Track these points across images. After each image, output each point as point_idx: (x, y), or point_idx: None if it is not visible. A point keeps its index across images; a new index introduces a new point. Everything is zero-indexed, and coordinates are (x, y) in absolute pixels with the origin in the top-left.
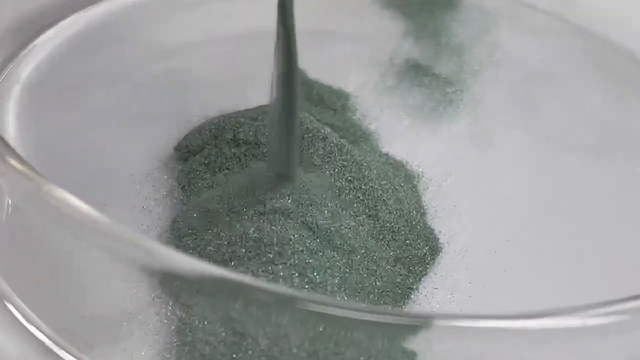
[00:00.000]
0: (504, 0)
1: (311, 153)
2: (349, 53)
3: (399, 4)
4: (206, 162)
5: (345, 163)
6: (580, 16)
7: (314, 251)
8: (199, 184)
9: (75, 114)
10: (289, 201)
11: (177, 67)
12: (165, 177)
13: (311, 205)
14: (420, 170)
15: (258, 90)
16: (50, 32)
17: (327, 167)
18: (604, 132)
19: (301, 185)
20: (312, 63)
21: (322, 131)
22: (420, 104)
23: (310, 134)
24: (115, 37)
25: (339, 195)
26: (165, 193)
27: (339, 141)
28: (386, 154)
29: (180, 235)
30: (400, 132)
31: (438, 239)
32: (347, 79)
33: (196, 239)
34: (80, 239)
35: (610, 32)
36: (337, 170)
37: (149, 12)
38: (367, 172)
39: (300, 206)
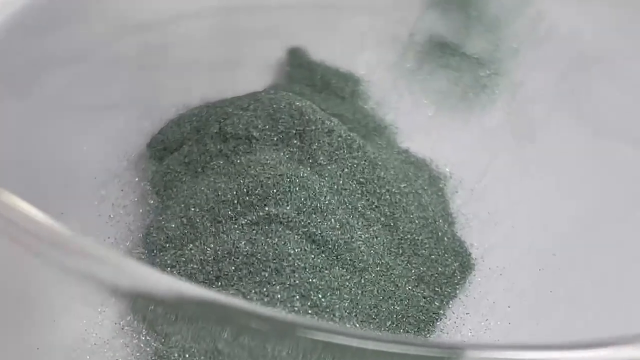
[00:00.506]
0: None
1: (315, 149)
2: (359, 28)
3: None
4: (186, 160)
5: (356, 162)
6: None
7: (318, 269)
8: (178, 188)
9: (26, 103)
10: (288, 207)
11: (150, 45)
12: (137, 179)
13: (315, 212)
14: (447, 170)
15: (247, 72)
16: None
17: (334, 166)
18: None
19: (303, 189)
20: (315, 41)
21: (328, 123)
22: (447, 90)
23: (313, 127)
24: (73, 10)
25: (349, 201)
26: (136, 199)
27: (349, 135)
28: (406, 151)
29: (155, 249)
30: (422, 124)
31: (470, 253)
32: (358, 60)
33: (175, 254)
34: (33, 255)
35: None
36: (346, 170)
37: None
38: (382, 173)
39: (302, 214)
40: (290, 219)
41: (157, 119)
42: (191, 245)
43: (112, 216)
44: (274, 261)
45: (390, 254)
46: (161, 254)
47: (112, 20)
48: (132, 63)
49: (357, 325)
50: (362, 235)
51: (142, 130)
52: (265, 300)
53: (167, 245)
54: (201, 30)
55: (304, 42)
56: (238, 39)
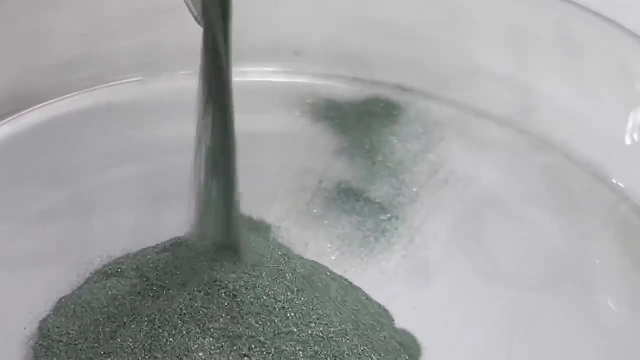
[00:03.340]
0: (453, 109)
1: None
2: (274, 174)
3: (332, 115)
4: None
5: None
6: (539, 126)
7: None
8: None
9: None
10: None
11: (75, 199)
12: None
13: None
14: None
15: (167, 221)
16: None
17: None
18: (555, 262)
19: None
20: None
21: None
22: (350, 235)
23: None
24: (5, 169)
25: None
26: None
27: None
28: None
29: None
30: None
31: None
32: (270, 209)
33: None
34: None
35: (571, 142)
36: None
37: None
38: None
39: None
40: None
41: (83, 271)
42: None
43: None
44: None
45: None
46: None
47: (41, 176)
48: (60, 217)
49: None
50: None
51: (69, 283)
52: None
53: None
54: (122, 188)
55: None
56: (161, 190)
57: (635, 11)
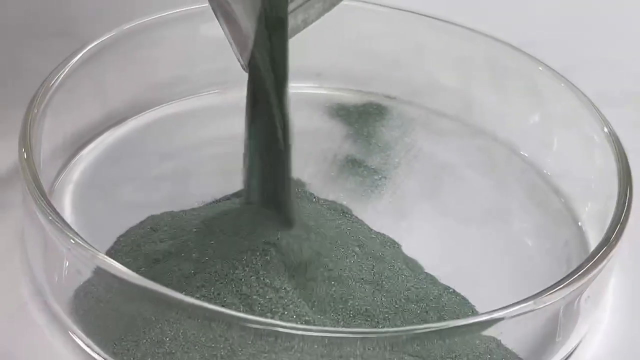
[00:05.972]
0: (421, 110)
1: None
2: (305, 152)
3: (342, 114)
4: None
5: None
6: (477, 119)
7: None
8: None
9: (111, 204)
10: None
11: (178, 166)
12: None
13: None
14: None
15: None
16: (90, 146)
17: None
18: (486, 208)
19: None
20: None
21: None
22: (355, 189)
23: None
24: (133, 149)
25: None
26: None
27: None
28: None
29: None
30: None
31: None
32: (304, 171)
33: None
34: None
35: (498, 130)
36: None
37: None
38: None
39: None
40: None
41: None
42: None
43: None
44: None
45: None
46: None
47: (156, 153)
48: (168, 179)
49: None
50: None
51: None
52: None
53: None
54: (208, 163)
55: None
56: (233, 165)
57: (544, 45)
